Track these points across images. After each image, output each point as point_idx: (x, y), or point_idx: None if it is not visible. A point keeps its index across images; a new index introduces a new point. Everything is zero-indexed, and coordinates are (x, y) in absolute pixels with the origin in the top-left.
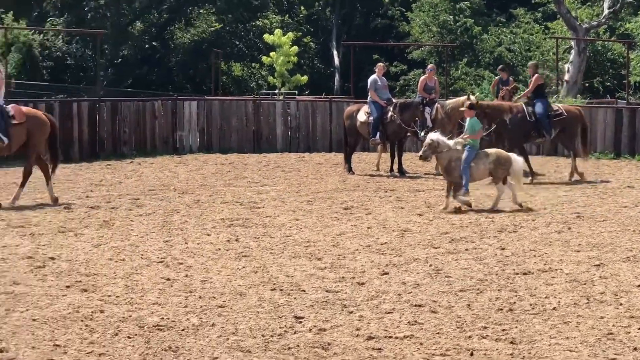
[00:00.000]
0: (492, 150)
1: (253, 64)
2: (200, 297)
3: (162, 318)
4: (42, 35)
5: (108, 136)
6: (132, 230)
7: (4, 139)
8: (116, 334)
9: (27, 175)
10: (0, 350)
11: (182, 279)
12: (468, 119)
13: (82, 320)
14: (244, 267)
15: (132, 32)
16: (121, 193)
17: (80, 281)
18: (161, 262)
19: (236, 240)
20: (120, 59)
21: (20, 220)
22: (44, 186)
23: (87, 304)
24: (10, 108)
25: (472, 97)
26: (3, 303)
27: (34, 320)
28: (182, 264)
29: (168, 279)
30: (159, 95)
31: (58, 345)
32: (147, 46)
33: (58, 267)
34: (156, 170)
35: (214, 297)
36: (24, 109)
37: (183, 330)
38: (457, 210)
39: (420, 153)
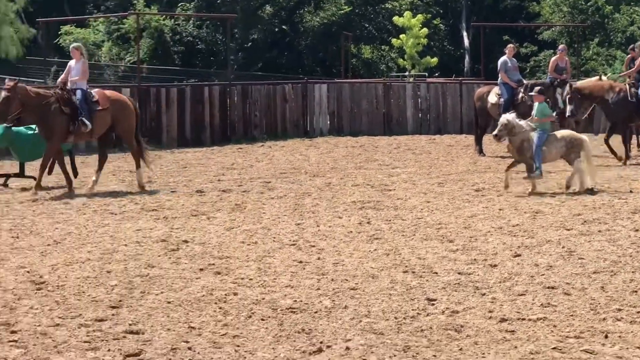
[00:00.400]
0: (564, 133)
1: (383, 47)
2: (332, 280)
3: (295, 300)
4: (173, 20)
5: (239, 120)
6: (264, 213)
7: (88, 124)
8: (250, 317)
9: (137, 155)
10: (135, 332)
11: (315, 261)
12: (537, 103)
13: (215, 303)
14: (375, 249)
15: (262, 15)
16: (252, 176)
17: (213, 264)
18: (293, 244)
19: (368, 222)
20: (250, 43)
21: (153, 203)
22: (176, 170)
23: (221, 287)
24: (95, 93)
25: (604, 78)
26: (138, 286)
27: (168, 302)
28: (314, 246)
29: (300, 262)
30: (289, 79)
31: (192, 328)
32: (276, 30)
33: (191, 250)
34: (287, 153)
35: (346, 280)
36: (108, 93)
37: (316, 312)
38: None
39: (495, 132)
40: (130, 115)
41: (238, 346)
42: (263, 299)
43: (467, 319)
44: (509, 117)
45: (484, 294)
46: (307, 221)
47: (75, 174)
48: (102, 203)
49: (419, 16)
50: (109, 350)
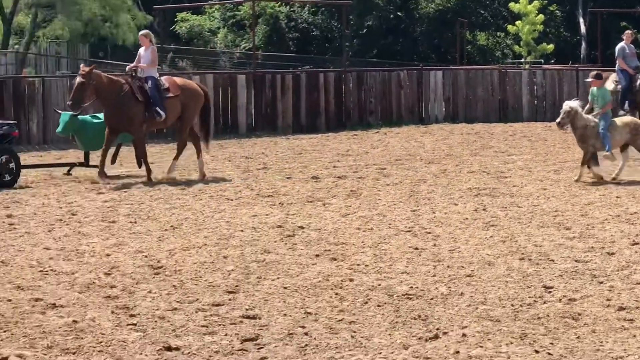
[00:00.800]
0: (626, 119)
1: (498, 33)
2: (448, 267)
3: (411, 287)
4: (288, 7)
5: (354, 106)
6: (379, 199)
7: (162, 113)
8: (366, 302)
9: (182, 147)
10: (252, 317)
11: (430, 248)
12: (595, 88)
13: (332, 289)
14: (491, 236)
15: (377, 2)
16: (368, 163)
17: (329, 250)
18: (409, 231)
19: (483, 209)
20: (365, 30)
21: (269, 189)
22: (291, 156)
23: (337, 273)
24: (164, 81)
25: None
26: (254, 271)
27: (284, 288)
28: (429, 233)
29: (416, 248)
30: (404, 65)
31: (309, 313)
32: (391, 16)
33: (307, 236)
34: (402, 140)
35: (462, 267)
36: (178, 80)
37: (432, 299)
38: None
39: (558, 120)
40: (198, 103)
41: (354, 332)
42: (379, 285)
43: (585, 307)
44: (572, 104)
45: (601, 282)
46: (423, 208)
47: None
48: (218, 189)
49: (535, 2)
50: (226, 334)
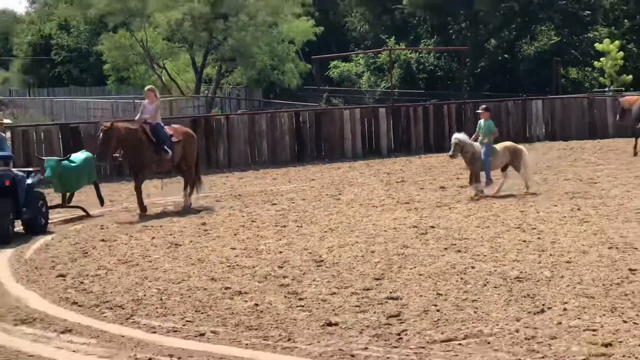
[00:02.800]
0: (508, 144)
1: (586, 68)
2: (551, 255)
3: (521, 272)
4: (417, 53)
5: (472, 130)
6: (493, 203)
7: (169, 152)
8: (485, 285)
9: (192, 183)
10: (395, 298)
11: (536, 240)
12: (483, 120)
13: (457, 275)
14: (585, 230)
15: (488, 47)
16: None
17: (454, 244)
18: (518, 227)
19: (578, 209)
20: (479, 70)
21: (406, 198)
22: (423, 171)
23: (461, 262)
24: (168, 129)
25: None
26: (396, 262)
27: (420, 275)
28: (535, 229)
29: (524, 241)
30: (511, 97)
31: (440, 294)
32: (499, 58)
33: (437, 233)
34: None
35: (562, 255)
36: (178, 128)
37: (538, 281)
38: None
39: (450, 153)
40: (195, 146)
41: (476, 308)
42: (495, 270)
43: None
44: (458, 136)
45: None
46: (529, 209)
47: (102, 202)
48: (366, 198)
49: (616, 42)
50: (374, 312)
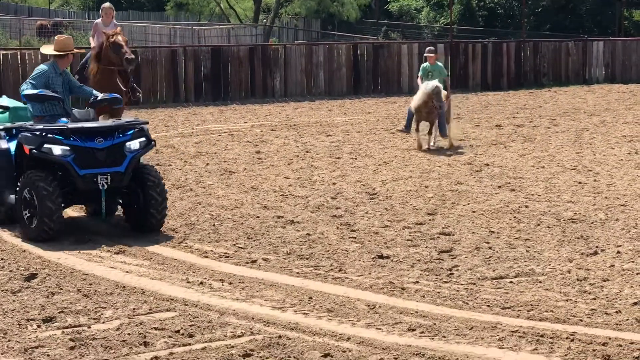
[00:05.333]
0: (444, 91)
1: None
2: (606, 198)
3: (575, 213)
4: None
5: (530, 70)
6: (550, 144)
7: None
8: (538, 224)
9: None
10: (447, 233)
11: (591, 182)
12: (428, 64)
13: (511, 213)
14: None
15: None
16: (541, 115)
17: (509, 183)
18: (574, 169)
19: (636, 152)
20: (540, 8)
21: (461, 134)
22: (479, 109)
23: (515, 201)
24: None
25: None
26: (449, 198)
27: (473, 212)
28: (590, 171)
29: (579, 183)
30: (572, 37)
31: (492, 232)
32: None
33: (492, 172)
34: (569, 97)
35: (617, 198)
36: None
37: (592, 223)
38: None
39: (437, 104)
40: None
41: (529, 247)
42: (549, 211)
43: None
44: (439, 85)
45: None
46: (586, 151)
47: None
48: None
49: None
50: (426, 247)
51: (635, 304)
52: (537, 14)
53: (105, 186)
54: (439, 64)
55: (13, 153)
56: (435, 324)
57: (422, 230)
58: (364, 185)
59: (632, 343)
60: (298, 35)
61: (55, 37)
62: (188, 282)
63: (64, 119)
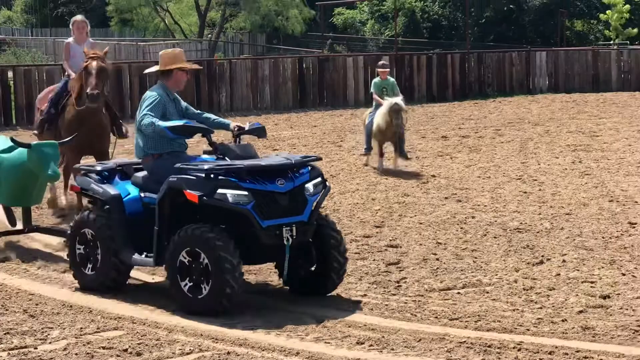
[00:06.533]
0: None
1: (592, 21)
2: (551, 207)
3: (521, 223)
4: (422, 2)
5: (475, 80)
6: (495, 154)
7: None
8: (484, 235)
9: None
10: (395, 246)
11: (537, 192)
12: (379, 79)
13: (457, 224)
14: (586, 183)
15: None
16: (486, 125)
17: (455, 194)
18: (519, 179)
19: (579, 161)
20: (483, 19)
21: (408, 146)
22: (425, 120)
23: (461, 212)
24: None
25: None
26: (396, 210)
27: (420, 224)
28: (535, 180)
29: (525, 192)
30: (515, 48)
31: (439, 243)
32: (505, 8)
33: (438, 183)
34: (513, 107)
35: (562, 207)
36: None
37: (538, 232)
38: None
39: (402, 125)
40: None
41: (475, 258)
42: (495, 221)
43: None
44: (400, 102)
45: None
46: (530, 160)
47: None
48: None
49: None
50: (374, 259)
51: (580, 312)
52: (481, 25)
53: (290, 240)
54: (391, 79)
55: (125, 200)
56: (383, 337)
57: (369, 243)
58: None
59: (578, 351)
60: (243, 49)
61: (160, 52)
62: (136, 300)
63: (205, 156)
